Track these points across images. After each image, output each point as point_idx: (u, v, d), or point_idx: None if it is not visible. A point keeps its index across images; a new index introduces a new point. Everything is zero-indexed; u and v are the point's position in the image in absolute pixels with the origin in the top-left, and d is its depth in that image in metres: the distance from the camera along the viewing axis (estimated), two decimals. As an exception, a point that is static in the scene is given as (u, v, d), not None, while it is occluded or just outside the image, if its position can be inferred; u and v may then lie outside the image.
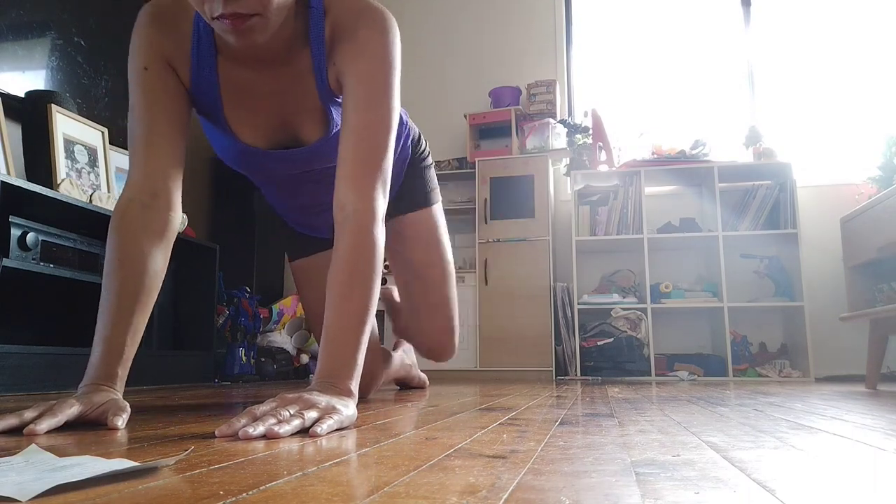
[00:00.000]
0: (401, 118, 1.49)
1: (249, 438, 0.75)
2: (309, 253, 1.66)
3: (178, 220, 1.09)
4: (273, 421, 0.78)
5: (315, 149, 1.18)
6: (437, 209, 1.69)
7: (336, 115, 1.15)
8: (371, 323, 0.99)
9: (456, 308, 1.76)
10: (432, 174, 1.70)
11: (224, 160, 1.23)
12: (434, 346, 1.77)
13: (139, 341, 1.01)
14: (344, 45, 1.06)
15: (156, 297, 1.05)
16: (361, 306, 0.97)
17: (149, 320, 1.05)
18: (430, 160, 1.69)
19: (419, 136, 1.64)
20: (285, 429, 0.77)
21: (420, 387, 2.14)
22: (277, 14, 0.96)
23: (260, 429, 0.76)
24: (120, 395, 0.96)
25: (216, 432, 0.78)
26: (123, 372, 0.98)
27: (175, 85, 1.08)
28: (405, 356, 2.04)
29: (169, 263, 1.09)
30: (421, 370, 2.18)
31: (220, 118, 1.14)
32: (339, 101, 1.13)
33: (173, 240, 1.08)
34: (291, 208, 1.51)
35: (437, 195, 1.71)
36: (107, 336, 0.97)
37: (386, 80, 1.05)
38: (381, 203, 1.03)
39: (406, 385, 2.11)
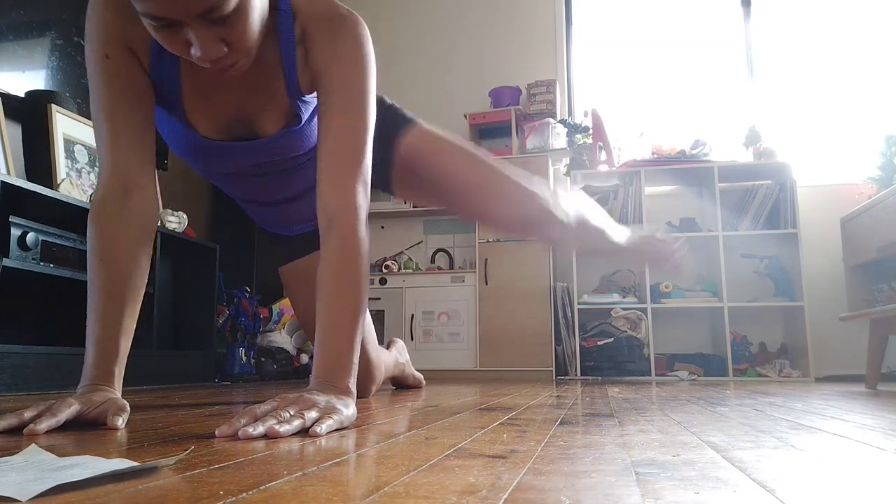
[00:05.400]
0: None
1: (250, 438, 0.75)
2: (291, 258, 1.63)
3: (156, 211, 1.08)
4: (273, 421, 0.78)
5: (273, 140, 1.16)
6: (426, 127, 1.49)
7: (303, 110, 1.14)
8: (363, 322, 0.99)
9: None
10: (400, 112, 1.50)
11: (174, 151, 1.19)
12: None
13: (132, 338, 1.01)
14: (320, 51, 1.06)
15: (142, 292, 1.04)
16: (353, 306, 0.97)
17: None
18: (397, 107, 1.51)
19: (390, 104, 1.50)
20: (286, 428, 0.77)
21: (416, 386, 2.13)
22: (255, 46, 0.97)
23: (260, 429, 0.76)
24: (119, 395, 0.96)
25: (216, 432, 0.78)
26: (120, 371, 0.99)
27: (137, 71, 1.04)
28: (398, 355, 2.03)
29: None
30: (418, 369, 2.18)
31: (178, 107, 1.10)
32: (307, 99, 1.13)
33: (153, 232, 1.07)
34: (249, 204, 1.46)
35: (419, 120, 1.51)
36: (99, 337, 0.97)
37: (363, 84, 1.06)
38: (364, 202, 1.04)
39: (401, 384, 2.10)
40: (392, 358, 1.95)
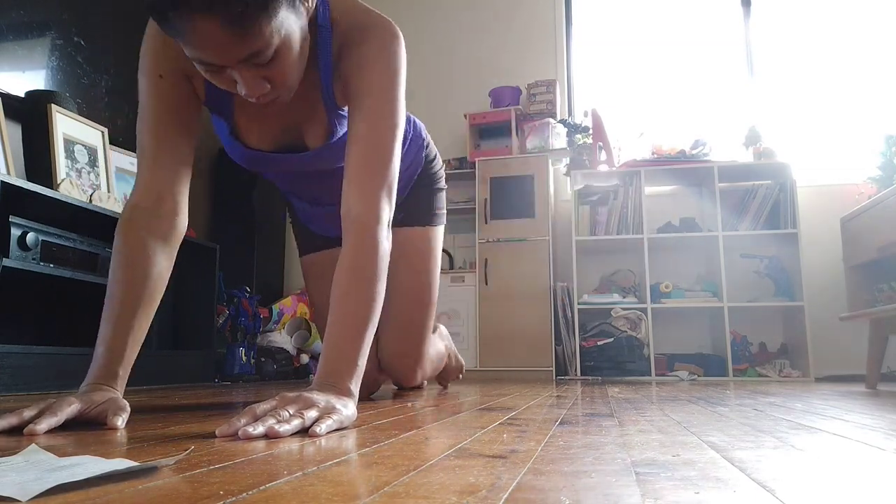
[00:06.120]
0: (417, 128, 1.56)
1: (250, 438, 0.75)
2: (318, 248, 1.68)
3: (184, 225, 1.10)
4: (273, 421, 0.78)
5: (316, 154, 1.21)
6: (437, 234, 1.66)
7: (339, 126, 1.18)
8: (374, 324, 0.98)
9: (427, 344, 1.67)
10: (442, 199, 1.68)
11: (231, 157, 1.26)
12: (393, 367, 1.65)
13: (141, 343, 1.02)
14: (350, 59, 1.09)
15: (159, 299, 1.06)
16: (364, 309, 0.97)
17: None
18: (442, 184, 1.69)
19: (435, 156, 1.66)
20: (285, 428, 0.77)
21: (457, 372, 2.10)
22: (297, 81, 1.01)
23: (260, 428, 0.76)
24: (120, 395, 0.96)
25: (216, 432, 0.78)
26: (124, 372, 0.99)
27: (188, 95, 1.10)
28: (447, 343, 2.00)
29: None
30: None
31: (231, 124, 1.18)
32: (343, 112, 1.17)
33: (178, 244, 1.10)
34: (299, 202, 1.54)
35: (441, 220, 1.68)
36: (108, 337, 0.98)
37: (391, 90, 1.08)
38: (386, 208, 1.05)
39: (443, 378, 2.07)
40: (439, 352, 1.90)
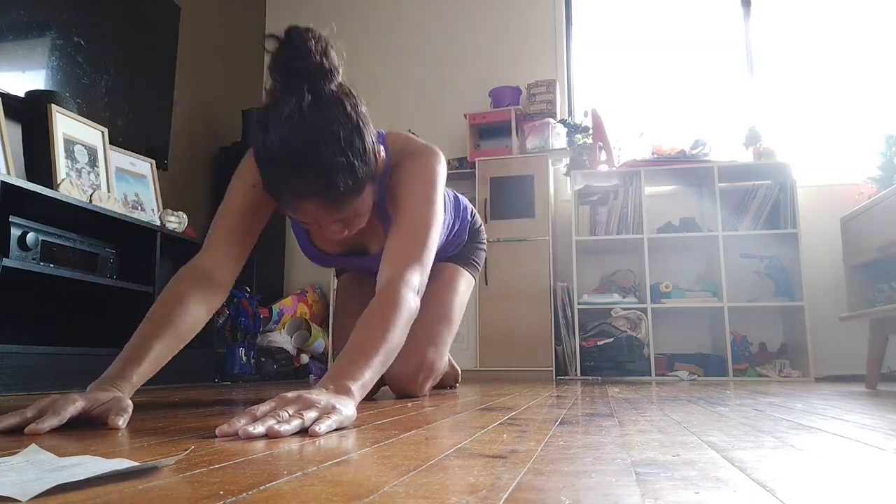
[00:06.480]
0: (464, 209, 1.78)
1: (250, 437, 0.75)
2: (351, 268, 1.85)
3: (225, 294, 1.22)
4: (273, 421, 0.78)
5: (375, 256, 1.38)
6: (468, 278, 1.83)
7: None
8: (386, 358, 1.02)
9: (442, 360, 1.70)
10: (481, 256, 1.89)
11: (304, 252, 1.51)
12: (398, 375, 1.60)
13: (160, 366, 1.06)
14: (397, 176, 1.27)
15: (186, 339, 1.11)
16: (379, 341, 1.01)
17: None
18: (484, 246, 1.92)
19: (479, 226, 1.90)
20: (285, 428, 0.77)
21: (453, 381, 2.11)
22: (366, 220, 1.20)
23: (260, 428, 0.76)
24: (125, 396, 0.96)
25: (217, 431, 0.78)
26: (138, 380, 1.01)
27: (268, 208, 1.25)
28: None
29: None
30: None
31: (306, 235, 1.45)
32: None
33: (215, 308, 1.19)
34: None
35: (475, 270, 1.86)
36: (128, 349, 1.03)
37: (427, 194, 1.25)
38: (416, 276, 1.14)
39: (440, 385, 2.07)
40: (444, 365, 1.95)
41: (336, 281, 1.92)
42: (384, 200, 1.29)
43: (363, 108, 1.08)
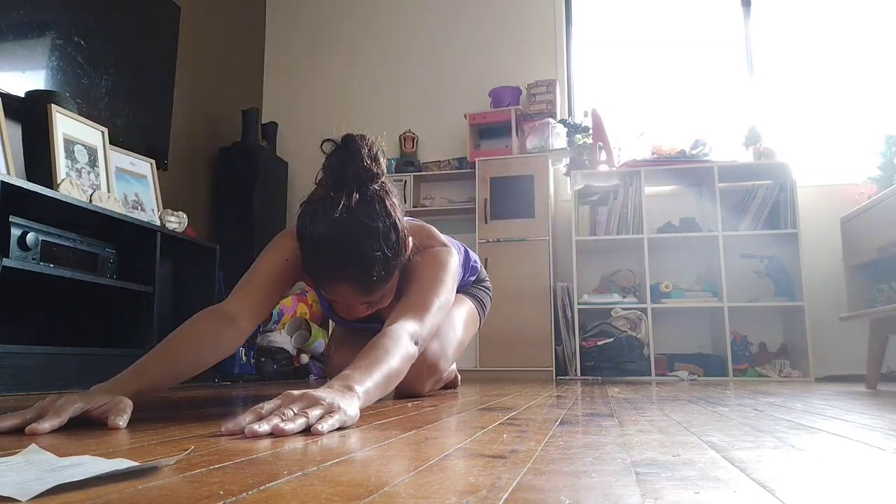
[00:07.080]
0: (471, 261, 1.84)
1: (256, 435, 0.75)
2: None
3: (241, 342, 1.26)
4: (278, 419, 0.78)
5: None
6: (472, 306, 1.84)
7: None
8: (390, 379, 1.07)
9: (447, 355, 1.69)
10: (486, 298, 1.92)
11: (325, 314, 1.62)
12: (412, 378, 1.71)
13: (171, 384, 1.10)
14: (415, 262, 1.35)
15: (197, 370, 1.14)
16: (383, 360, 1.06)
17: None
18: (490, 292, 1.96)
19: (485, 277, 1.96)
20: (290, 426, 0.77)
21: (453, 384, 2.12)
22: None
23: (265, 427, 0.77)
24: (126, 398, 0.96)
25: (222, 429, 0.79)
26: (140, 389, 1.01)
27: (295, 279, 1.34)
28: None
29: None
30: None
31: (328, 304, 1.47)
32: None
33: (231, 351, 1.23)
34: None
35: (480, 304, 1.88)
36: (140, 362, 1.05)
37: (440, 274, 1.35)
38: (419, 330, 1.21)
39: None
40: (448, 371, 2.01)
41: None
42: (401, 279, 1.36)
43: (398, 203, 1.23)
